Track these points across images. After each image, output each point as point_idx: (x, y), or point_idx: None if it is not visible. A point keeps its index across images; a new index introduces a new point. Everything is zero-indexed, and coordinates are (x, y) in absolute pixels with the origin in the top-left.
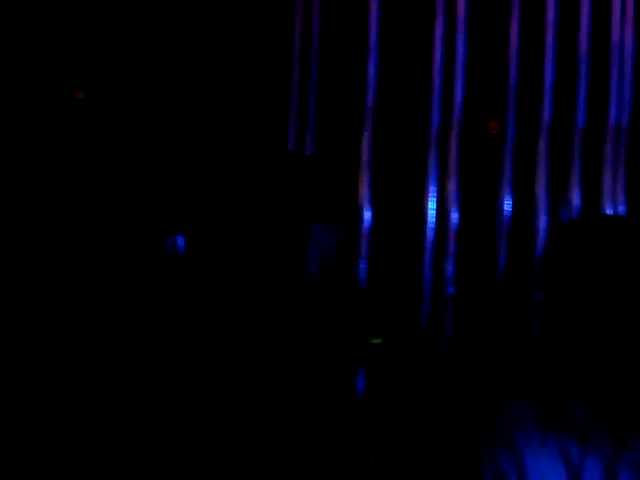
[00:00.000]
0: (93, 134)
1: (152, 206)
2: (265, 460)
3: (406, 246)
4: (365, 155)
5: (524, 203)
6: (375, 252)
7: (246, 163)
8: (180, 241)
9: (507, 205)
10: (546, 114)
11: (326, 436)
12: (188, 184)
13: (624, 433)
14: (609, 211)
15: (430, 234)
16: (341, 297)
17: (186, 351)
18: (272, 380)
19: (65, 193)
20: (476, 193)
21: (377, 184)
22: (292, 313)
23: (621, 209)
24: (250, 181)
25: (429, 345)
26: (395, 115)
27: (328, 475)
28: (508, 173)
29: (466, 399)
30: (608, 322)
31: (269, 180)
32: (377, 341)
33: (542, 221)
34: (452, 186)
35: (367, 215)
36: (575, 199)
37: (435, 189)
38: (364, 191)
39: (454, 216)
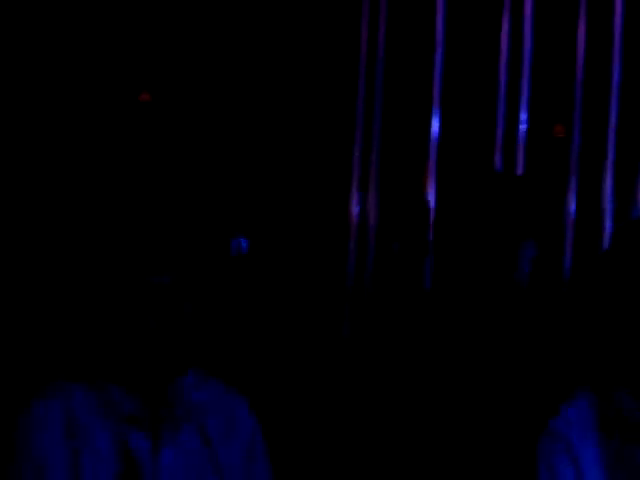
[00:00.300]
0: (159, 136)
1: (217, 207)
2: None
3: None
4: (432, 159)
5: (590, 206)
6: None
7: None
8: (244, 243)
9: (573, 208)
10: (612, 117)
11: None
12: (252, 185)
13: None
14: None
15: None
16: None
17: (251, 351)
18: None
19: (131, 194)
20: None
21: (443, 187)
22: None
23: None
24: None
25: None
26: (460, 119)
27: None
28: (574, 177)
29: (525, 400)
30: None
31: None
32: None
33: (608, 224)
34: None
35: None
36: None
37: None
38: (430, 195)
39: None
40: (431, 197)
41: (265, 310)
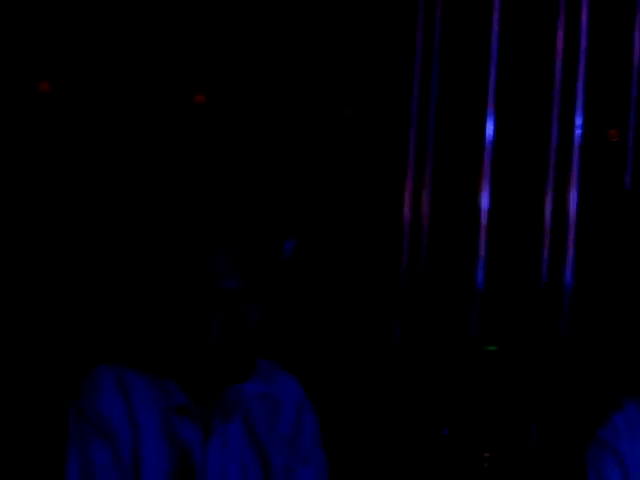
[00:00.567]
0: (213, 137)
1: (271, 208)
2: None
3: (524, 252)
4: (486, 162)
5: None
6: (493, 257)
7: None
8: (296, 244)
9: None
10: None
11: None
12: (305, 185)
13: None
14: None
15: (547, 241)
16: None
17: (303, 353)
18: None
19: (186, 195)
20: (596, 201)
21: (497, 192)
22: None
23: None
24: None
25: (543, 352)
26: (515, 121)
27: None
28: (628, 181)
29: (574, 406)
30: None
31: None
32: (492, 348)
33: None
34: (572, 194)
35: (486, 221)
36: None
37: (553, 195)
38: (484, 198)
39: (573, 224)
40: (485, 198)
41: (316, 311)
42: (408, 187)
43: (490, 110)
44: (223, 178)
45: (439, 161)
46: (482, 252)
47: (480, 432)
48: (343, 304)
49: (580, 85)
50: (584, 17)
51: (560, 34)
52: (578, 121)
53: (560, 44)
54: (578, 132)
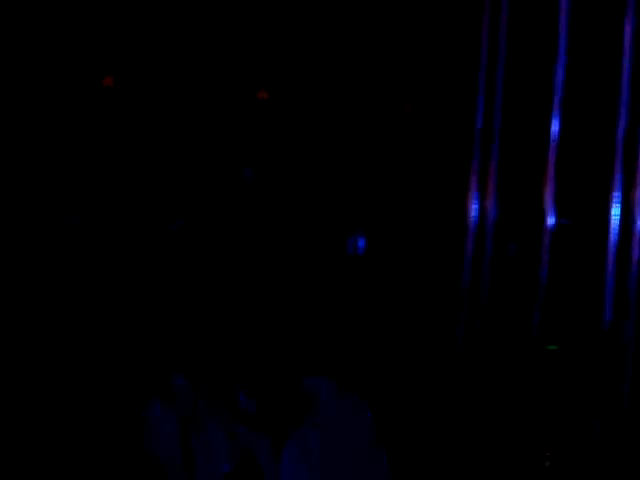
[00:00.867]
0: (277, 136)
1: (334, 206)
2: None
3: (589, 252)
4: (551, 160)
5: None
6: (558, 258)
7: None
8: (361, 242)
9: None
10: None
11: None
12: (371, 185)
13: None
14: None
15: (614, 240)
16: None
17: (365, 351)
18: None
19: (252, 194)
20: None
21: (561, 191)
22: None
23: None
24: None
25: (610, 353)
26: (581, 121)
27: None
28: None
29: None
30: None
31: None
32: (553, 348)
33: None
34: (638, 192)
35: (550, 222)
36: None
37: (620, 195)
38: (548, 198)
39: (639, 223)
40: (549, 198)
41: (380, 310)
42: (472, 186)
43: (555, 109)
44: (287, 177)
45: (504, 161)
46: (546, 253)
47: (542, 430)
48: (407, 304)
49: None
50: None
51: (628, 32)
52: None
53: (628, 42)
54: None
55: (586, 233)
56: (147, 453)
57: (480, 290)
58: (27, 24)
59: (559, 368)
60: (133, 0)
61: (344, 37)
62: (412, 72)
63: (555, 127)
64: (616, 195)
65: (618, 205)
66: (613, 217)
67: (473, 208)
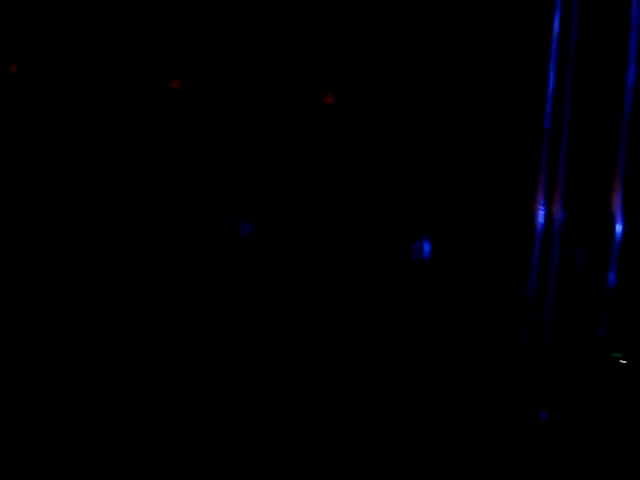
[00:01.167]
0: (343, 140)
1: (398, 211)
2: None
3: None
4: (619, 164)
5: None
6: (626, 265)
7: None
8: (426, 247)
9: None
10: None
11: None
12: (435, 189)
13: None
14: None
15: None
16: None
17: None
18: None
19: (315, 199)
20: None
21: (630, 195)
22: None
23: None
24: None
25: None
26: None
27: None
28: None
29: None
30: None
31: None
32: (618, 356)
33: None
34: None
35: (619, 227)
36: None
37: None
38: (617, 203)
39: None
40: (617, 202)
41: (444, 316)
42: (539, 190)
43: (626, 113)
44: (351, 181)
45: (572, 163)
46: (614, 257)
47: (606, 438)
48: (472, 311)
49: None
50: None
51: None
52: None
53: None
54: None
55: None
56: None
57: (546, 296)
58: (95, 28)
59: (625, 376)
60: (200, 6)
61: (411, 42)
62: (480, 77)
63: (624, 130)
64: None
65: None
66: None
67: (540, 213)
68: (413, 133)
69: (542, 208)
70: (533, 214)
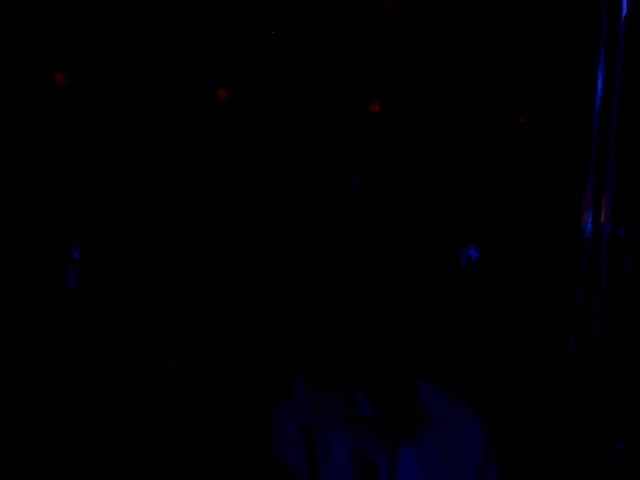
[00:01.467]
0: (390, 147)
1: (447, 218)
2: None
3: None
4: None
5: None
6: None
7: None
8: (473, 253)
9: None
10: None
11: None
12: (484, 196)
13: None
14: None
15: None
16: None
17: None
18: None
19: (362, 205)
20: None
21: None
22: None
23: None
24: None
25: None
26: None
27: None
28: None
29: None
30: None
31: None
32: None
33: None
34: None
35: None
36: None
37: None
38: None
39: None
40: None
41: (491, 323)
42: (588, 197)
43: None
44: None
45: (620, 169)
46: None
47: None
48: (519, 318)
49: None
50: None
51: None
52: None
53: None
54: None
55: None
56: (275, 460)
57: (594, 305)
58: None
59: None
60: (248, 16)
61: (456, 49)
62: (526, 82)
63: None
64: None
65: None
66: None
67: (588, 219)
68: (460, 140)
69: (590, 214)
70: (581, 220)
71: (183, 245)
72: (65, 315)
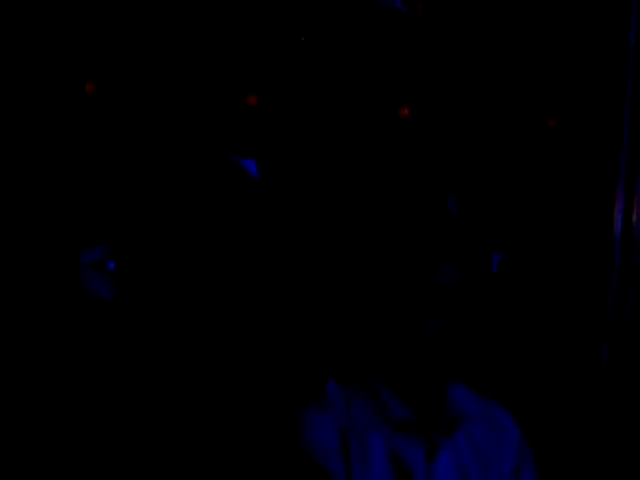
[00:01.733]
0: (417, 152)
1: (477, 221)
2: None
3: None
4: None
5: None
6: None
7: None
8: (501, 257)
9: None
10: None
11: None
12: (511, 197)
13: None
14: None
15: None
16: None
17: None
18: None
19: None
20: None
21: None
22: None
23: None
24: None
25: None
26: None
27: None
28: None
29: None
30: None
31: None
32: None
33: None
34: None
35: None
36: None
37: None
38: None
39: None
40: None
41: (520, 327)
42: (619, 200)
43: None
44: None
45: None
46: None
47: None
48: (548, 321)
49: None
50: None
51: None
52: None
53: None
54: None
55: None
56: (309, 459)
57: (626, 310)
58: (173, 46)
59: None
60: (278, 21)
61: (486, 51)
62: (555, 84)
63: None
64: None
65: None
66: None
67: (619, 222)
68: (488, 143)
69: (621, 215)
70: (612, 223)
71: (216, 255)
72: (97, 325)
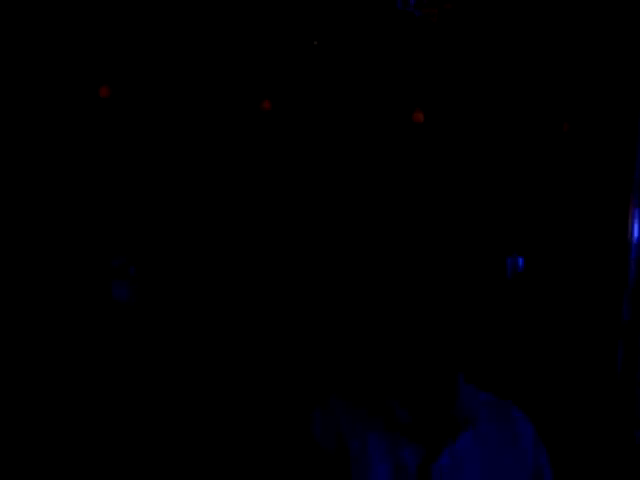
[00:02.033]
0: (432, 160)
1: (491, 226)
2: None
3: None
4: None
5: None
6: None
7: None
8: (520, 261)
9: None
10: None
11: None
12: (527, 203)
13: None
14: None
15: None
16: None
17: (518, 369)
18: None
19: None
20: None
21: None
22: None
23: None
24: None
25: None
26: None
27: None
28: None
29: None
30: None
31: None
32: None
33: None
34: None
35: None
36: None
37: None
38: None
39: None
40: None
41: (536, 330)
42: (633, 204)
43: None
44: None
45: None
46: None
47: None
48: (563, 325)
49: None
50: None
51: None
52: None
53: None
54: None
55: None
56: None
57: None
58: (186, 50)
59: None
60: (291, 26)
61: (501, 56)
62: (570, 89)
63: None
64: None
65: None
66: None
67: (635, 228)
68: (503, 148)
69: (637, 222)
70: (626, 229)
71: (227, 260)
72: (118, 328)
